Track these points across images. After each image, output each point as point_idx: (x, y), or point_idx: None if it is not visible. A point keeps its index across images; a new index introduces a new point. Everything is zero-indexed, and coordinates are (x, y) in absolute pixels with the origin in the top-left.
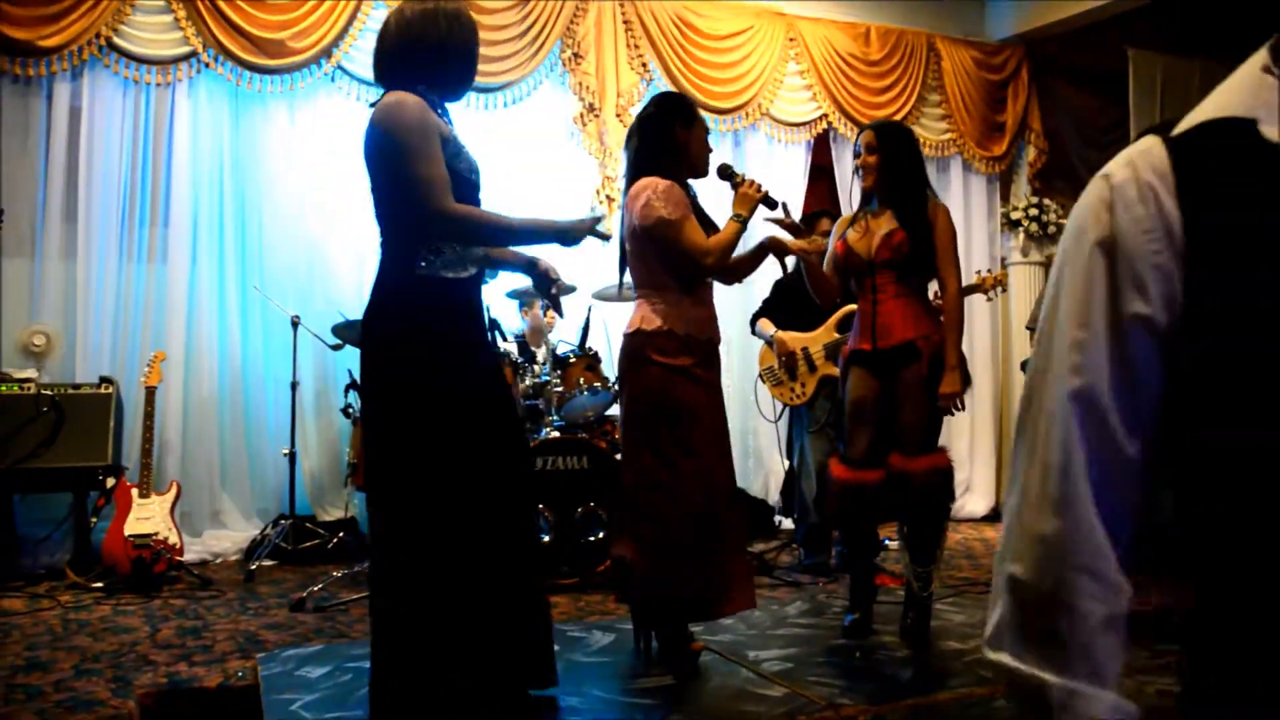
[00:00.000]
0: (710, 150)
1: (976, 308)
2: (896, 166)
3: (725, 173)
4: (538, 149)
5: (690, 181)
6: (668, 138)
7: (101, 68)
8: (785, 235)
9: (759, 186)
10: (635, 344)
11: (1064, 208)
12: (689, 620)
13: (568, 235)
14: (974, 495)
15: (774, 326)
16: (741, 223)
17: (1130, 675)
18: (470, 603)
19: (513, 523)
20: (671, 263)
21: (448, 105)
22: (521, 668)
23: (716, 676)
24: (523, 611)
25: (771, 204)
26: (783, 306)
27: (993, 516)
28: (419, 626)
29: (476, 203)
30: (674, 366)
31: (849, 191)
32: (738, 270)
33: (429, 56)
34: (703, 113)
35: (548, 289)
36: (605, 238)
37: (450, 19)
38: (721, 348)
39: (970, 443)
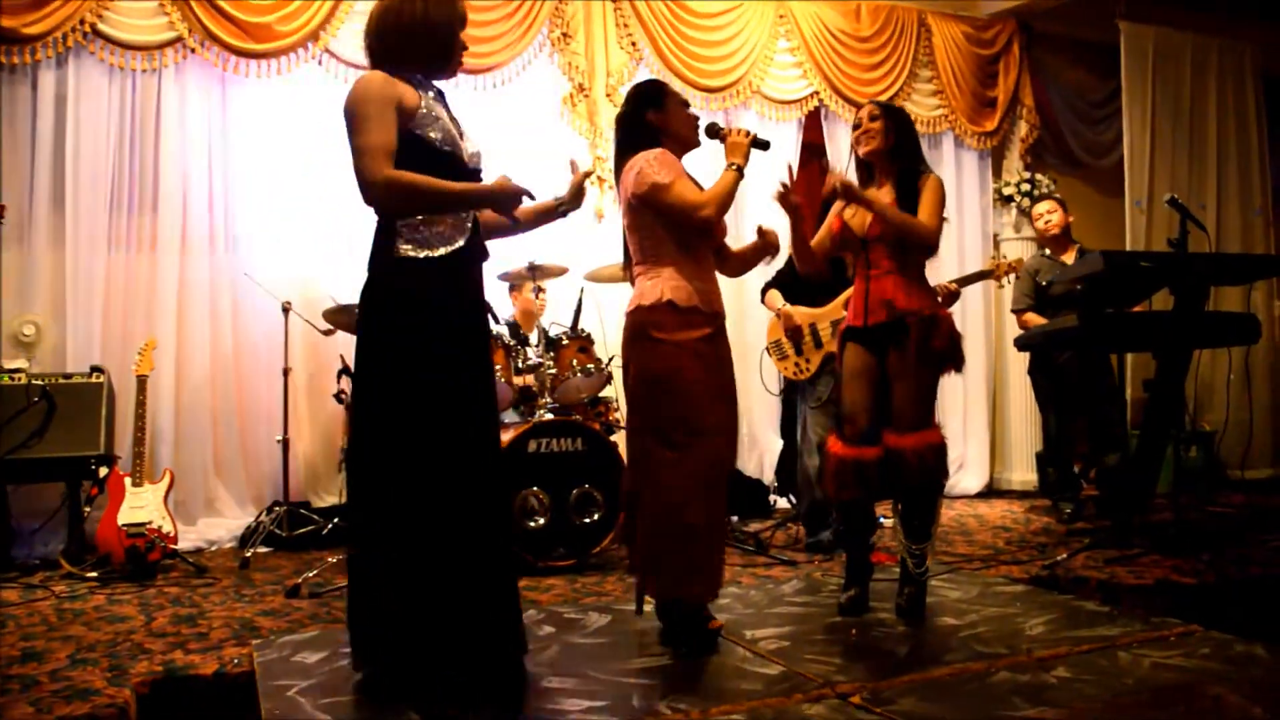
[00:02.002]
0: (694, 121)
1: (970, 287)
2: (902, 139)
3: (712, 131)
4: (527, 130)
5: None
6: (644, 126)
7: (87, 55)
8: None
9: (747, 132)
10: (636, 321)
11: (1056, 183)
12: (699, 601)
13: (499, 199)
14: (968, 473)
15: (783, 299)
16: (738, 171)
17: (1127, 648)
18: (439, 586)
19: (476, 506)
20: (670, 227)
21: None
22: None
23: (713, 655)
24: (487, 595)
25: (763, 145)
26: (795, 280)
27: (986, 493)
28: (394, 610)
29: (452, 173)
30: (678, 343)
31: (844, 169)
32: (745, 261)
33: (409, 37)
34: (690, 90)
35: (511, 208)
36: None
37: (431, 3)
38: None
39: (964, 421)
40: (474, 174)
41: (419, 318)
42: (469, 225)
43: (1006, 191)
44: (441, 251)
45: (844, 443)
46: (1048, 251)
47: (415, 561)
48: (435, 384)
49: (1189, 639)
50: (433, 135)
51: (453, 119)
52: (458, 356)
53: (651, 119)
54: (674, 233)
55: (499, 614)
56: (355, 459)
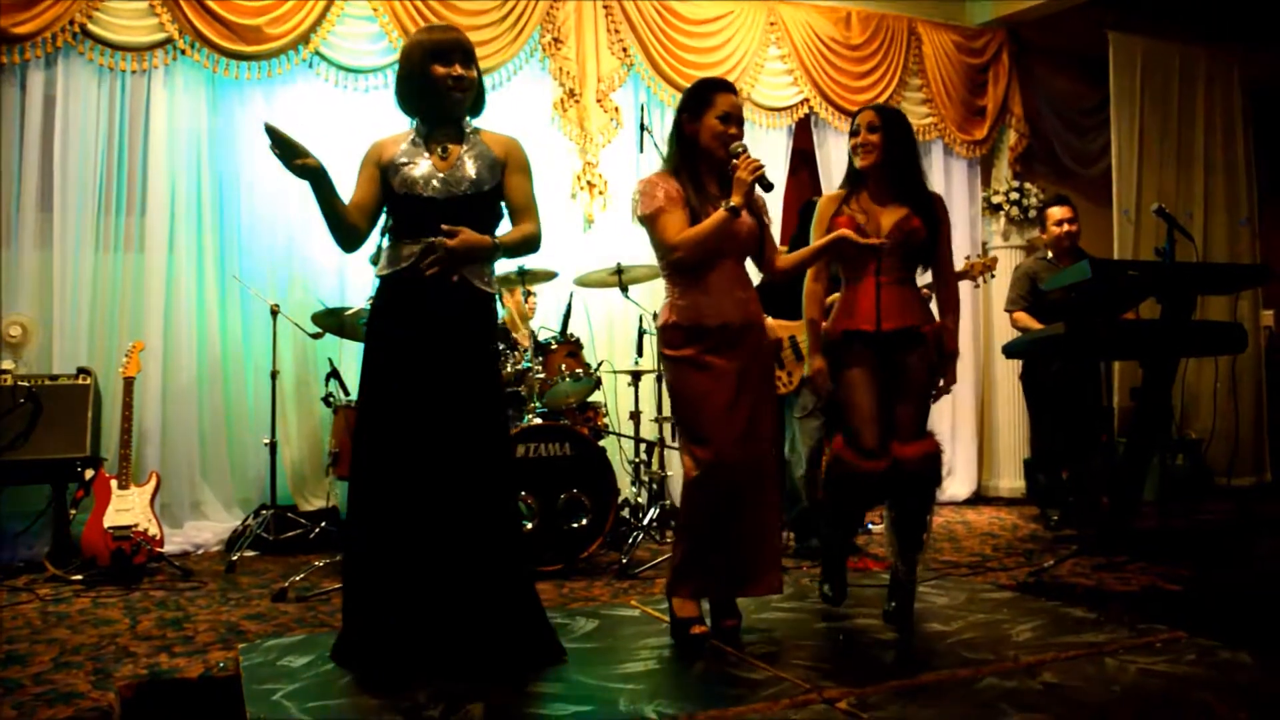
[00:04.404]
0: (725, 136)
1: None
2: (902, 151)
3: (729, 154)
4: (518, 136)
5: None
6: (678, 133)
7: (76, 55)
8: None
9: (754, 168)
10: (658, 339)
11: (1044, 191)
12: (701, 598)
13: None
14: (956, 479)
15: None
16: (731, 212)
17: (1114, 654)
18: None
19: (449, 512)
20: (659, 256)
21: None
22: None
23: (700, 661)
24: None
25: (767, 185)
26: (772, 293)
27: (974, 500)
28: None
29: (415, 210)
30: (679, 358)
31: (831, 177)
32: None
33: (399, 95)
34: (679, 97)
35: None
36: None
37: (400, 55)
38: None
39: (952, 426)
40: (449, 202)
41: (373, 330)
42: (415, 250)
43: (995, 200)
44: (388, 271)
45: (858, 455)
46: (1049, 255)
47: (378, 563)
48: (378, 390)
49: (1175, 645)
50: (394, 181)
51: (445, 155)
52: (399, 366)
53: (687, 128)
54: (661, 257)
55: (473, 619)
56: (351, 467)
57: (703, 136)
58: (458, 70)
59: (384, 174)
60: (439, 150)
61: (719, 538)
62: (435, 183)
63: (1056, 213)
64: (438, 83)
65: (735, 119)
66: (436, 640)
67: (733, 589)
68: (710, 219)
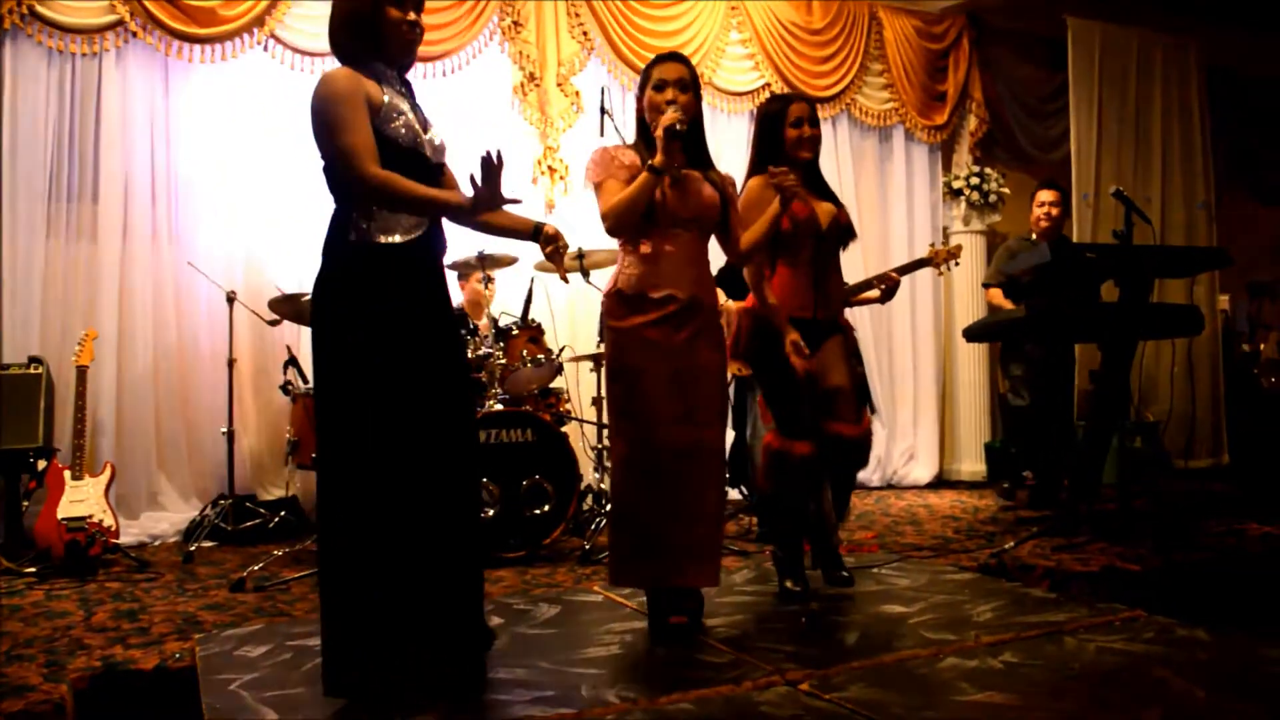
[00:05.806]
0: (659, 101)
1: (919, 276)
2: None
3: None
4: (478, 120)
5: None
6: (636, 114)
7: (24, 37)
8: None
9: (666, 121)
10: (601, 309)
11: (1005, 176)
12: (638, 586)
13: (463, 210)
14: (918, 463)
15: (724, 295)
16: (652, 172)
17: (1073, 633)
18: (399, 576)
19: (443, 498)
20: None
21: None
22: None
23: (662, 645)
24: (452, 584)
25: (670, 134)
26: (736, 275)
27: (937, 483)
28: (351, 598)
29: (415, 169)
30: (620, 329)
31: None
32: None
33: (349, 29)
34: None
35: (549, 253)
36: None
37: None
38: None
39: (914, 412)
40: (437, 167)
41: (380, 306)
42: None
43: (956, 185)
44: (401, 238)
45: (793, 439)
46: (1032, 236)
47: (383, 561)
48: (396, 375)
49: (1134, 624)
50: (394, 132)
51: (415, 110)
52: (419, 346)
53: (638, 108)
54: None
55: (461, 610)
56: (325, 458)
57: (644, 109)
58: (412, 16)
59: (371, 118)
60: (411, 105)
61: (653, 523)
62: (434, 139)
63: (1040, 195)
64: (393, 25)
65: (671, 83)
66: (419, 637)
67: (667, 577)
68: (634, 182)
